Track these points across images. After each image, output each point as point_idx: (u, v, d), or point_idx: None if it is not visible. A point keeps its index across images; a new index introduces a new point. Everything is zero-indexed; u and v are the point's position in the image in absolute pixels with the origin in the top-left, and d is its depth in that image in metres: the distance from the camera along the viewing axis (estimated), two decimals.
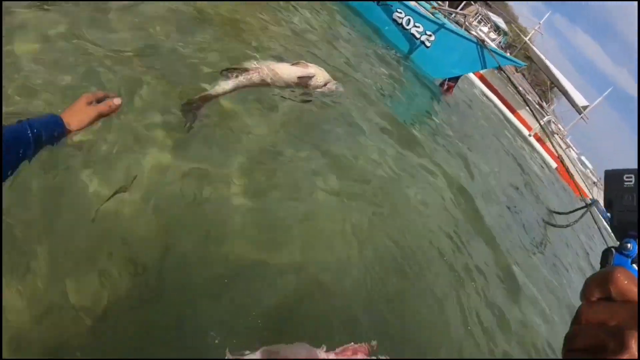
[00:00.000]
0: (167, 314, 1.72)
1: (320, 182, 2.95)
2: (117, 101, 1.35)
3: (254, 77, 2.64)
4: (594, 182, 18.87)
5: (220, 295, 1.90)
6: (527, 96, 13.07)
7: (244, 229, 2.19)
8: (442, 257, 3.38)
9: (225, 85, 2.48)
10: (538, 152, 15.40)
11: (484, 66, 8.72)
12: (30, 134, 1.09)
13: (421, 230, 3.48)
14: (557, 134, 17.71)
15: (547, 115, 17.14)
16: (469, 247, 3.80)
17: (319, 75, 3.42)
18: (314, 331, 2.00)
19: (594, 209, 7.22)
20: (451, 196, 4.45)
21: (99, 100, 1.34)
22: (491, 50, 8.35)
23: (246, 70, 2.61)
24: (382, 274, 2.60)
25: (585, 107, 18.33)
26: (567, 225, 6.62)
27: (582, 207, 7.31)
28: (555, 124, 17.99)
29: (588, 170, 18.98)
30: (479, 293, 3.36)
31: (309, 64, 3.37)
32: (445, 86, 8.94)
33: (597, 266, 0.55)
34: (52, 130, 1.18)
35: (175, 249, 1.92)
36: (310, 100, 3.24)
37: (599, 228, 7.37)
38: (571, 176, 8.85)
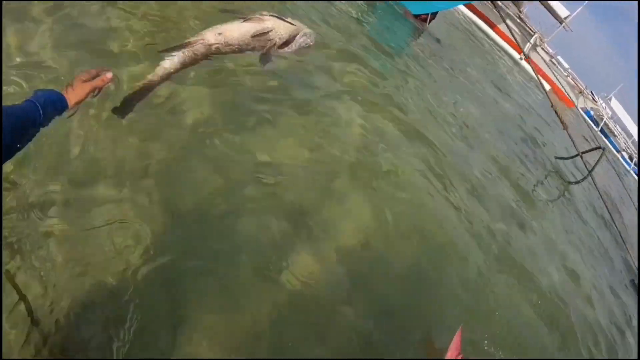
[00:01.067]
0: None
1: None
2: (109, 75, 1.51)
3: (199, 48, 2.20)
4: (580, 92, 18.64)
5: None
6: (508, 10, 12.28)
7: None
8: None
9: (165, 67, 2.05)
10: (531, 76, 14.85)
11: None
12: (41, 112, 1.22)
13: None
14: (540, 45, 17.12)
15: (534, 34, 16.49)
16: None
17: (279, 28, 2.92)
18: None
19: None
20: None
21: (93, 77, 1.48)
22: None
23: (188, 43, 2.16)
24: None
25: (566, 17, 17.59)
26: (583, 179, 6.21)
27: (595, 148, 6.89)
28: (540, 39, 17.26)
29: (568, 75, 18.60)
30: None
31: (265, 17, 2.87)
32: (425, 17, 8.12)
33: None
34: (57, 106, 1.32)
35: None
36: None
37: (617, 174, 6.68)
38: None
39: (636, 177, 21.84)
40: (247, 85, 2.98)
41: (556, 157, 7.08)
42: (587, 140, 11.78)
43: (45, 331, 1.48)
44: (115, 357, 1.53)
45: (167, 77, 2.10)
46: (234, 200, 2.26)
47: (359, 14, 5.83)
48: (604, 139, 23.10)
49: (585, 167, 6.40)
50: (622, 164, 22.42)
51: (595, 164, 6.46)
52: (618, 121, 25.77)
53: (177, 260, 1.87)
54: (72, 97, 1.38)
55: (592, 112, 22.62)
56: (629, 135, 26.01)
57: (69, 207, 1.80)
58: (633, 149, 25.79)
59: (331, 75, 3.88)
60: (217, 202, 2.19)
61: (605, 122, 23.40)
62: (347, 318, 2.15)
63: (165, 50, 2.09)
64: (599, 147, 6.90)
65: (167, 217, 1.99)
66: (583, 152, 6.70)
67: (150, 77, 2.02)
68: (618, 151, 24.15)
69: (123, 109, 2.01)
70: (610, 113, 24.74)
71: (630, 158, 24.49)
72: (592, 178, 6.18)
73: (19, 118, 1.14)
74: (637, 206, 9.73)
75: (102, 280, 1.68)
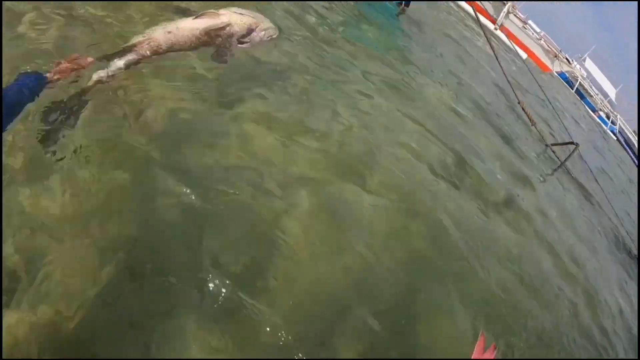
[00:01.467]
0: None
1: None
2: (89, 59, 1.79)
3: (144, 50, 2.03)
4: (555, 56, 18.75)
5: None
6: None
7: None
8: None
9: (108, 69, 1.89)
10: (508, 46, 14.81)
11: None
12: (25, 91, 1.47)
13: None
14: (512, 12, 17.09)
15: (507, 2, 16.47)
16: None
17: (237, 22, 2.75)
18: None
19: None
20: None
21: (73, 60, 1.76)
22: None
23: (133, 46, 1.99)
24: None
25: None
26: (558, 167, 6.33)
27: (568, 143, 7.08)
28: (512, 6, 17.18)
29: (541, 38, 18.64)
30: None
31: (221, 11, 2.69)
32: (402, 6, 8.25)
33: None
34: (39, 84, 1.58)
35: None
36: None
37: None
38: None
39: (614, 137, 22.31)
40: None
41: (550, 144, 7.16)
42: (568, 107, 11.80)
43: (44, 331, 1.48)
44: (115, 357, 1.52)
45: (110, 80, 1.94)
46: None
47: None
48: (580, 100, 23.48)
49: (558, 159, 6.53)
50: (600, 124, 22.83)
51: (567, 158, 6.58)
52: (593, 81, 26.14)
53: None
54: (55, 73, 1.66)
55: (567, 75, 22.90)
56: (605, 95, 26.43)
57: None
58: (610, 108, 26.23)
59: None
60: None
61: (580, 82, 23.71)
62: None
63: (109, 54, 1.92)
64: (572, 142, 7.05)
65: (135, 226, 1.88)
66: (553, 145, 6.94)
67: (89, 82, 1.88)
68: (594, 111, 24.54)
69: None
70: (585, 74, 25.08)
71: (607, 117, 24.92)
72: (566, 168, 6.32)
73: (7, 98, 1.37)
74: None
75: (101, 280, 1.67)
